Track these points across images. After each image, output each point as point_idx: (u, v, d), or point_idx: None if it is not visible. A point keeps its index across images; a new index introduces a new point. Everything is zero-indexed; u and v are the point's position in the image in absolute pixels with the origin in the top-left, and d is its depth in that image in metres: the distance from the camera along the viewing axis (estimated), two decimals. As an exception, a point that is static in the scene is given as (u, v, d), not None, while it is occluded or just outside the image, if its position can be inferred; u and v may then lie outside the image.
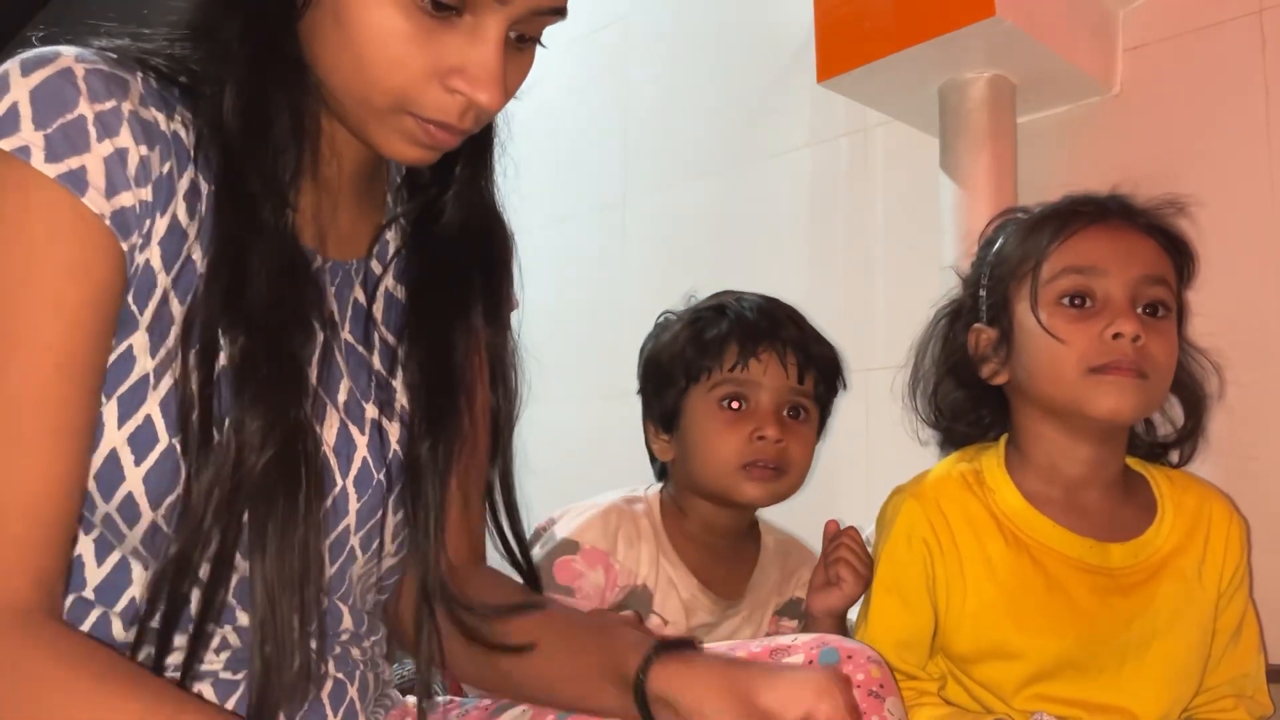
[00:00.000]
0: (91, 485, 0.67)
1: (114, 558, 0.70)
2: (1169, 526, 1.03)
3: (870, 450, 1.64)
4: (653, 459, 1.27)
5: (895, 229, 1.66)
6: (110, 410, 0.66)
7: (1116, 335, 0.96)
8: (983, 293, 1.07)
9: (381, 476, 0.77)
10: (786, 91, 1.81)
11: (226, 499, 0.65)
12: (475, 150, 0.82)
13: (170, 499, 0.66)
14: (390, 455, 0.78)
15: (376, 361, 0.79)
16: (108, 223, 0.63)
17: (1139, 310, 0.98)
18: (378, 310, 0.81)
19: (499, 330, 0.85)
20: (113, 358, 0.66)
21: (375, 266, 0.82)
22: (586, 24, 2.20)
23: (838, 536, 1.12)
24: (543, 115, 2.30)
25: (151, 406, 0.66)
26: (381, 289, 0.82)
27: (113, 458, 0.66)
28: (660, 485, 1.26)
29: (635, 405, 1.34)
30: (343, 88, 0.70)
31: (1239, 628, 1.04)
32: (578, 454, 2.09)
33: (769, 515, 1.31)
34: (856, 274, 1.70)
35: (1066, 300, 0.99)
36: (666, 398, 1.20)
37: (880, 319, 1.66)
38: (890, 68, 1.39)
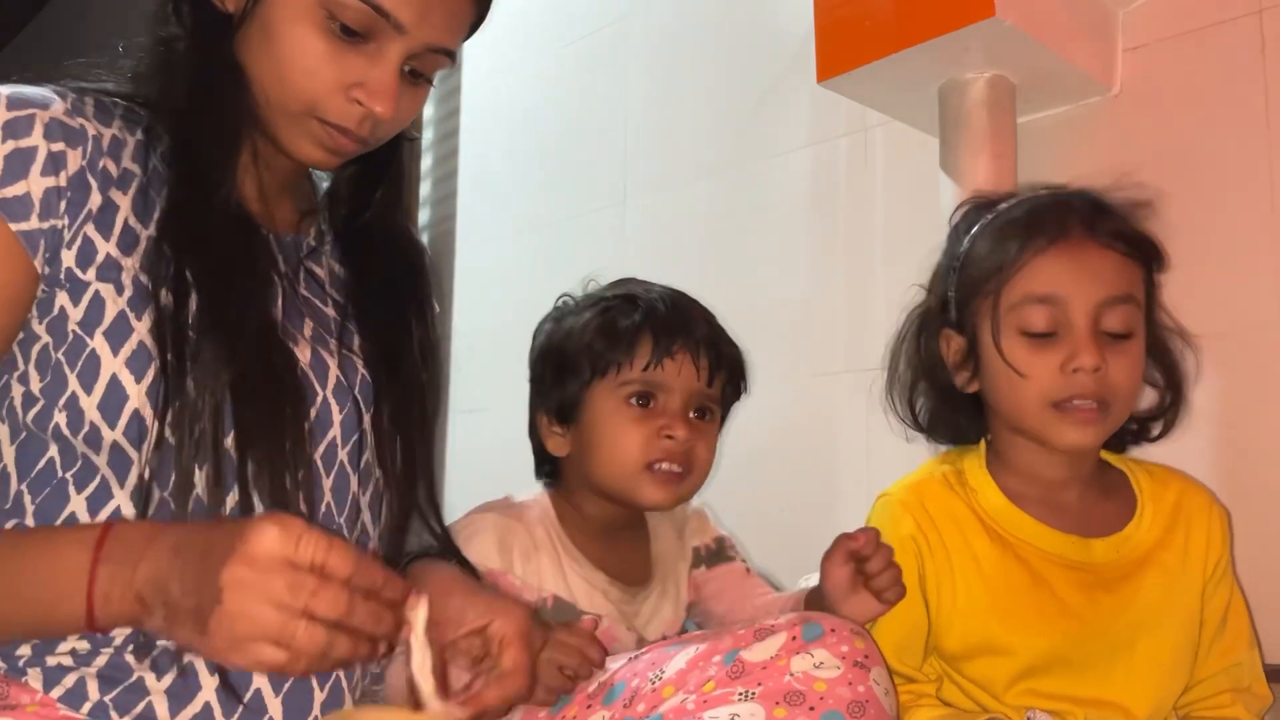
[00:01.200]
0: (96, 416, 0.74)
1: (108, 509, 0.75)
2: (1149, 521, 1.03)
3: (870, 450, 1.63)
4: (540, 457, 1.21)
5: (895, 229, 1.66)
6: (101, 344, 0.75)
7: (1077, 369, 0.95)
8: (951, 296, 1.06)
9: (358, 393, 0.87)
10: (786, 91, 1.81)
11: (209, 424, 0.74)
12: (392, 179, 0.98)
13: (173, 409, 0.75)
14: (359, 379, 0.88)
15: (331, 310, 0.91)
16: None
17: (1103, 334, 0.97)
18: (323, 272, 0.93)
19: (423, 321, 0.97)
20: (84, 304, 0.76)
21: (314, 240, 0.94)
22: (586, 24, 2.20)
23: (877, 546, 0.98)
24: (542, 115, 2.30)
25: (141, 333, 0.76)
26: (324, 259, 0.94)
27: (114, 383, 0.75)
28: (545, 487, 1.20)
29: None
30: (266, 92, 0.83)
31: (1225, 616, 1.04)
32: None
33: (773, 510, 1.31)
34: (856, 274, 1.70)
35: (1027, 331, 0.98)
36: (567, 388, 1.13)
37: (880, 319, 1.65)
38: (890, 68, 1.39)
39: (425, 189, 2.52)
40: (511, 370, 2.31)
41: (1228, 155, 1.35)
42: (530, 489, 1.21)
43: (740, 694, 0.76)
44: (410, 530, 0.91)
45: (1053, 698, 0.99)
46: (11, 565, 0.69)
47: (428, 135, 2.52)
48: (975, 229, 1.05)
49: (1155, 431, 1.08)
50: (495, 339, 2.34)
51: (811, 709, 0.75)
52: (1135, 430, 1.08)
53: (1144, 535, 1.03)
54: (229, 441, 0.75)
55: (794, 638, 0.79)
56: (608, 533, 1.16)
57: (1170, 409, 1.07)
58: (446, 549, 0.96)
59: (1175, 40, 1.41)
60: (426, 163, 2.53)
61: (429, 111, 2.51)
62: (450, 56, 0.87)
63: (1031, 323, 0.98)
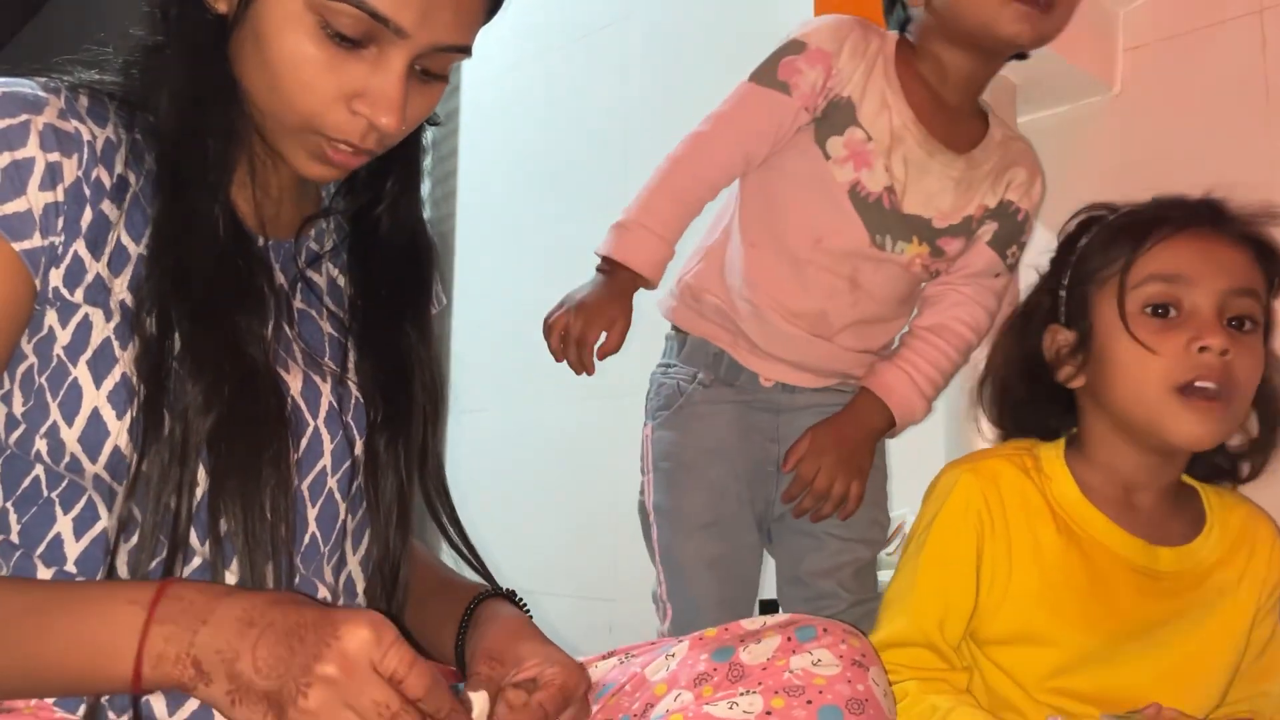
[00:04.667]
0: (77, 449, 0.71)
1: (94, 531, 0.73)
2: (1215, 539, 1.02)
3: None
4: (888, 8, 1.24)
5: (895, 229, 1.66)
6: (84, 374, 0.72)
7: (1203, 349, 0.93)
8: (1063, 293, 1.05)
9: (350, 419, 0.83)
10: (786, 91, 1.81)
11: (179, 462, 0.71)
12: (404, 168, 0.92)
13: (156, 445, 0.71)
14: (353, 403, 0.84)
15: (328, 326, 0.86)
16: None
17: (1225, 323, 0.95)
18: (322, 280, 0.88)
19: (424, 334, 0.92)
20: (71, 327, 0.72)
21: (314, 246, 0.89)
22: (586, 24, 2.20)
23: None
24: (542, 115, 2.30)
25: (126, 364, 0.72)
26: (324, 266, 0.89)
27: (95, 417, 0.71)
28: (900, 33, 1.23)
29: (633, 406, 1.34)
30: (260, 104, 0.77)
31: (1265, 646, 1.04)
32: (574, 454, 2.09)
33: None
34: (856, 274, 1.70)
35: (1150, 309, 0.96)
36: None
37: (880, 319, 1.65)
38: (890, 68, 1.39)
39: (425, 189, 2.52)
40: (512, 370, 2.31)
41: (1228, 155, 1.35)
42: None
43: (742, 693, 0.77)
44: (405, 561, 0.86)
45: (1084, 698, 0.98)
46: (55, 620, 0.66)
47: (427, 135, 2.53)
48: (1095, 228, 1.05)
49: (1244, 472, 1.06)
50: (495, 339, 2.35)
51: (809, 702, 0.75)
52: (1223, 470, 1.06)
53: (1208, 552, 1.02)
54: (204, 481, 0.72)
55: (789, 639, 0.79)
56: (938, 88, 1.19)
57: (1264, 446, 1.04)
58: (488, 580, 0.93)
59: (1175, 40, 1.41)
60: (426, 163, 2.53)
61: (429, 111, 2.51)
62: (464, 51, 0.79)
63: (1159, 297, 0.96)
